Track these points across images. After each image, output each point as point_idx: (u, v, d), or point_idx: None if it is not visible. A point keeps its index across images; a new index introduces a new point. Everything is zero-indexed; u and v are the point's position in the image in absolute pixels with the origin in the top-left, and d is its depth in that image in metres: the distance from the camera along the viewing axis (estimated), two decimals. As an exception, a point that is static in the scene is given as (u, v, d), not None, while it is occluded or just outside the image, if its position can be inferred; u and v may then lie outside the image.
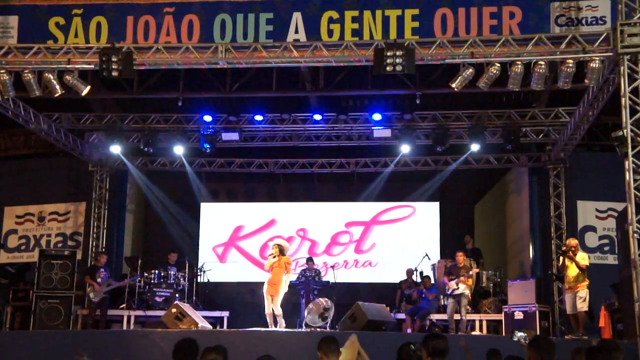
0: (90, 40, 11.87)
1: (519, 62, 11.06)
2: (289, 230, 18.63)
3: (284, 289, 12.65)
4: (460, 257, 14.23)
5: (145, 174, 18.16)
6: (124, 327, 14.91)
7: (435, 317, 14.78)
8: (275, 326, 12.45)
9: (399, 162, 17.45)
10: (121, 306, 15.52)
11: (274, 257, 12.72)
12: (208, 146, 16.17)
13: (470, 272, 14.05)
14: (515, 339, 6.80)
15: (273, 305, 12.50)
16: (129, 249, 18.56)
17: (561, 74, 11.12)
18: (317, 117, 16.09)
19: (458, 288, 13.83)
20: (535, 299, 14.23)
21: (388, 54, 10.79)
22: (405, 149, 16.45)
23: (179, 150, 16.85)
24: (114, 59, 11.07)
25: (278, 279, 12.60)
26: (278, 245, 13.02)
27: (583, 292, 12.39)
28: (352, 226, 18.79)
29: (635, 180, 10.48)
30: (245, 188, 19.71)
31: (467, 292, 13.96)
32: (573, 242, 13.01)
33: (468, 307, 14.17)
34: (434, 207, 18.55)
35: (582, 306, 12.39)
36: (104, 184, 17.62)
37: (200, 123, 16.22)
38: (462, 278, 13.84)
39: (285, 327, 12.60)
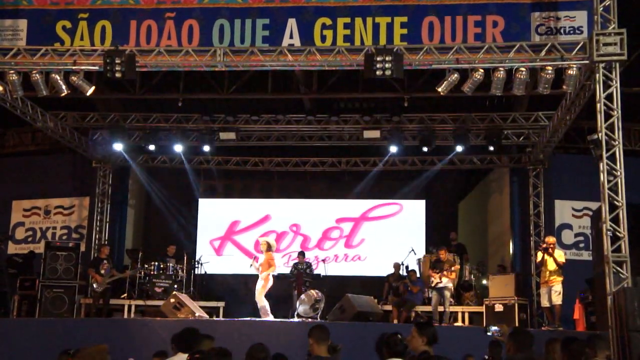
0: (95, 43, 11.80)
1: (501, 68, 11.09)
2: (282, 225, 18.65)
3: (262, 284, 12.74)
4: (443, 253, 14.27)
5: (146, 171, 18.13)
6: (125, 316, 14.89)
7: (420, 308, 14.81)
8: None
9: (387, 162, 17.47)
10: (122, 296, 15.49)
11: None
12: (207, 145, 16.19)
13: (452, 269, 14.11)
14: (490, 333, 6.83)
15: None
16: (130, 241, 18.54)
17: (541, 79, 11.18)
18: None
19: (441, 281, 13.87)
20: (515, 292, 14.26)
21: (378, 59, 10.77)
22: (393, 149, 16.50)
23: (178, 148, 16.83)
24: (117, 61, 11.02)
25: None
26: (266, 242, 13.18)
27: (558, 286, 12.51)
28: (343, 222, 18.81)
29: (609, 181, 10.53)
30: (241, 185, 19.69)
31: (450, 285, 14.02)
32: (551, 239, 13.08)
33: (451, 299, 14.22)
34: (421, 204, 18.59)
35: (557, 299, 12.48)
36: (107, 179, 17.60)
37: (200, 122, 16.19)
38: (445, 272, 13.90)
39: (274, 317, 12.69)
